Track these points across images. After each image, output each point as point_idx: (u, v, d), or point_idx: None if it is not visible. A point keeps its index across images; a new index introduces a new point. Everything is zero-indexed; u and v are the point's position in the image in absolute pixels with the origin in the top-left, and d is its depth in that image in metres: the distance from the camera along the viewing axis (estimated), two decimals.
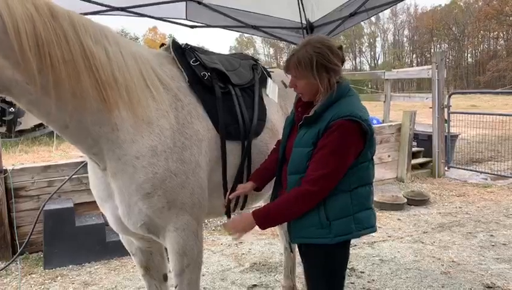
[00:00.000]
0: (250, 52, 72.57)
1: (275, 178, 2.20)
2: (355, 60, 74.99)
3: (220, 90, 2.25)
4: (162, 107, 1.97)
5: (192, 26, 4.60)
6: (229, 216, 2.42)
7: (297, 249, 3.34)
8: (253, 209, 2.00)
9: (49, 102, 1.69)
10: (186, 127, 2.03)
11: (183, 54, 2.28)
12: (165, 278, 2.45)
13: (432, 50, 62.13)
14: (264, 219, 1.91)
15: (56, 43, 1.65)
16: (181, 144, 1.99)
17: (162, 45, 2.40)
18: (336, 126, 1.81)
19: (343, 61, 1.94)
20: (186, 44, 2.34)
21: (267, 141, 2.44)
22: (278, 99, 2.63)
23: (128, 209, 1.96)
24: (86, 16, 1.88)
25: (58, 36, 1.66)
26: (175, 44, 2.30)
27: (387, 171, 7.45)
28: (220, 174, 2.22)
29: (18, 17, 1.55)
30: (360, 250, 4.43)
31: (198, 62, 2.26)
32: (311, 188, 1.83)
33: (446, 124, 8.11)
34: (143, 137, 1.90)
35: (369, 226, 1.97)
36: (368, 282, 3.72)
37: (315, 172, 1.83)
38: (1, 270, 4.09)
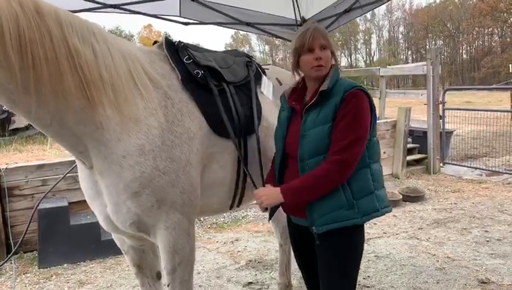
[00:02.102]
0: (245, 49, 72.48)
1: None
2: (350, 57, 75.11)
3: (215, 87, 2.23)
4: (151, 106, 1.95)
5: (186, 23, 4.57)
6: (270, 217, 2.26)
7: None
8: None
9: (30, 101, 1.66)
10: (176, 125, 2.01)
11: (176, 51, 2.25)
12: (159, 276, 2.43)
13: (427, 46, 62.23)
14: (293, 193, 1.88)
15: (39, 42, 1.62)
16: (170, 142, 1.96)
17: (155, 42, 2.38)
18: (352, 95, 1.86)
19: None
20: (180, 41, 2.32)
21: (262, 139, 2.43)
22: (272, 97, 2.62)
23: (116, 207, 1.94)
24: (74, 13, 1.85)
25: (43, 35, 1.63)
26: (168, 41, 2.28)
27: (382, 168, 7.45)
28: (213, 172, 2.21)
29: (3, 17, 1.52)
30: None
31: (191, 60, 2.24)
32: (341, 157, 1.80)
33: (441, 120, 8.13)
34: (130, 136, 1.88)
35: (387, 205, 1.98)
36: (364, 279, 3.73)
37: (341, 141, 1.81)
38: None
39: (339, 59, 2.06)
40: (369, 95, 1.91)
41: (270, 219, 2.25)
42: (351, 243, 1.96)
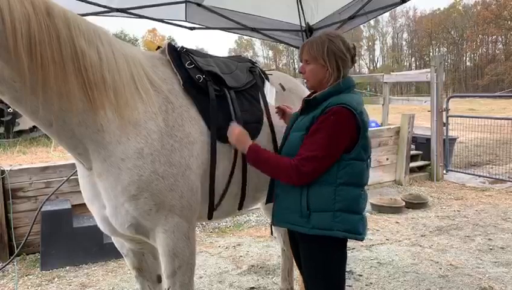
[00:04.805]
0: (249, 54, 72.68)
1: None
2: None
3: (215, 92, 2.24)
4: (151, 110, 1.96)
5: (191, 28, 4.59)
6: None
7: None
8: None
9: (35, 101, 1.69)
10: (176, 129, 2.02)
11: (178, 56, 2.27)
12: (159, 279, 2.43)
13: (431, 53, 62.28)
14: (251, 154, 2.04)
15: (48, 43, 1.65)
16: (170, 146, 1.97)
17: (159, 47, 2.40)
18: (332, 112, 1.87)
19: (353, 59, 2.03)
20: (182, 47, 2.33)
21: (264, 145, 2.44)
22: (275, 103, 2.62)
23: (115, 210, 1.95)
24: (82, 17, 1.87)
25: (51, 36, 1.66)
26: (171, 47, 2.30)
27: (385, 174, 7.46)
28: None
29: (16, 16, 1.56)
30: (358, 253, 4.43)
31: (193, 65, 2.26)
32: (301, 167, 1.87)
33: (444, 128, 8.12)
34: (129, 139, 1.89)
35: (353, 231, 1.92)
36: (366, 285, 3.72)
37: (307, 153, 1.88)
38: None
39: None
40: (357, 113, 1.87)
41: (272, 233, 2.44)
42: (321, 255, 1.97)
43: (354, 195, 1.93)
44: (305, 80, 2.09)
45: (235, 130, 2.12)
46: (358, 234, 1.95)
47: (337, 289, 2.04)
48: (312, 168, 1.86)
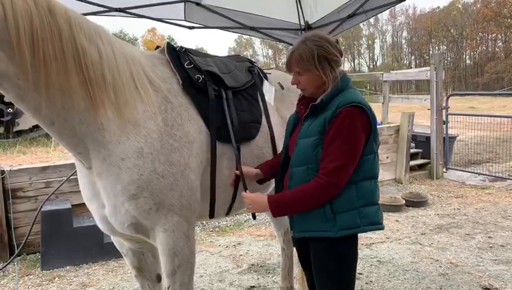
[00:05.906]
0: (249, 53, 72.69)
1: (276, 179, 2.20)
2: (353, 62, 75.11)
3: (214, 92, 2.24)
4: (150, 109, 1.97)
5: (190, 27, 4.58)
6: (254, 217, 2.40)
7: (294, 251, 3.35)
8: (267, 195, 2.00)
9: (39, 98, 1.69)
10: (175, 129, 2.02)
11: (177, 56, 2.27)
12: (159, 278, 2.43)
13: (431, 52, 62.20)
14: (273, 206, 1.91)
15: (50, 40, 1.66)
16: (169, 145, 1.98)
17: (158, 47, 2.40)
18: (345, 113, 1.82)
19: (341, 54, 1.99)
20: (181, 47, 2.34)
21: (262, 145, 2.44)
22: (274, 102, 2.62)
23: (114, 209, 1.96)
24: (82, 15, 1.88)
25: (53, 33, 1.67)
26: (170, 46, 2.31)
27: (385, 173, 7.46)
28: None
29: (18, 13, 1.57)
30: (358, 251, 4.42)
31: (192, 64, 2.26)
32: (331, 180, 1.81)
33: (444, 126, 8.13)
34: (129, 138, 1.89)
35: (375, 223, 1.94)
36: (366, 283, 3.72)
37: (331, 163, 1.81)
38: None
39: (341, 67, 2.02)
40: (367, 109, 1.86)
41: (294, 245, 2.27)
42: (334, 254, 1.94)
43: (371, 188, 1.94)
44: (302, 90, 2.04)
45: (246, 199, 2.03)
46: (379, 224, 1.97)
47: (353, 286, 2.03)
48: (342, 177, 1.83)
